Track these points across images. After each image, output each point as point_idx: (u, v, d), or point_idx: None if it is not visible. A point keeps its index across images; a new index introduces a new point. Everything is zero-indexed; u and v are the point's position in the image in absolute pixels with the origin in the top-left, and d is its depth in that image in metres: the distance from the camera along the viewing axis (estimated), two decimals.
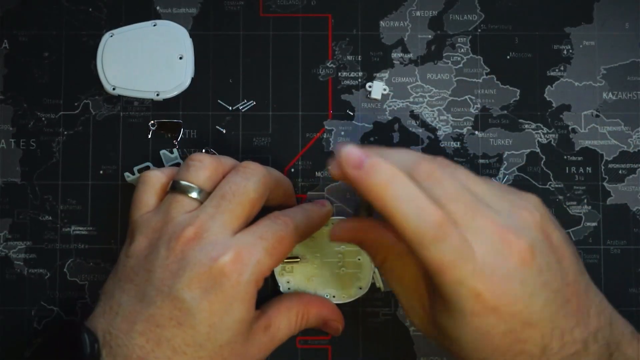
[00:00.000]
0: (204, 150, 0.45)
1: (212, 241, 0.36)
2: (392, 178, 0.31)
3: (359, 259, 0.43)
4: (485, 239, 0.31)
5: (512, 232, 0.31)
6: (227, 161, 0.40)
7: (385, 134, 0.45)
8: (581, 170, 0.45)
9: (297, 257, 0.43)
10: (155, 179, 0.40)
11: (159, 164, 0.45)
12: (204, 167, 0.38)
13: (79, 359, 0.34)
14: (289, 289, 0.43)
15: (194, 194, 0.38)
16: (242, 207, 0.37)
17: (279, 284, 0.43)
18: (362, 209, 0.38)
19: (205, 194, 0.38)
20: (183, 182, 0.38)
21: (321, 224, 0.41)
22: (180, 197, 0.38)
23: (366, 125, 0.45)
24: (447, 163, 0.34)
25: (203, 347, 0.35)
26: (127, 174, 0.45)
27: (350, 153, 0.31)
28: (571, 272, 0.34)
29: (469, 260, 0.30)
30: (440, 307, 0.33)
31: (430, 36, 0.46)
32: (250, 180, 0.38)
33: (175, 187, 0.38)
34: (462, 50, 0.46)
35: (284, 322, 0.39)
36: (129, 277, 0.37)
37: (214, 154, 0.44)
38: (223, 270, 0.35)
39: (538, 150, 0.45)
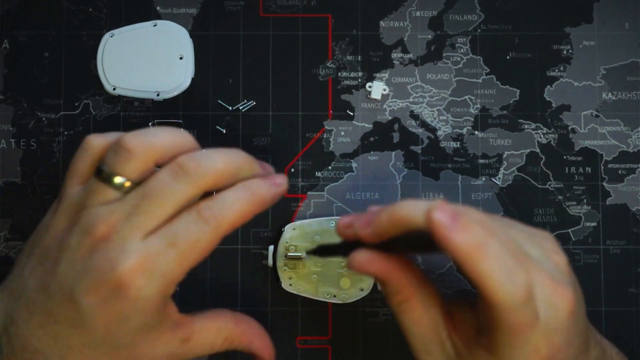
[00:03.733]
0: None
1: (118, 246, 0.33)
2: (486, 237, 0.29)
3: None
4: (542, 293, 0.31)
5: (561, 284, 0.31)
6: (165, 142, 0.34)
7: (385, 134, 0.45)
8: (581, 170, 0.45)
9: (300, 254, 0.43)
10: (97, 147, 0.35)
11: None
12: (131, 157, 0.33)
13: None
14: (290, 285, 0.43)
15: (117, 182, 0.34)
16: (163, 209, 0.33)
17: (281, 280, 0.43)
18: (400, 244, 0.33)
19: (130, 185, 0.34)
20: (107, 170, 0.34)
21: (265, 207, 0.35)
22: (102, 186, 0.34)
23: (366, 125, 0.45)
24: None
25: (99, 348, 0.34)
26: None
27: (443, 209, 0.29)
28: (583, 309, 0.34)
29: (538, 319, 0.30)
30: (473, 355, 0.33)
31: (430, 36, 0.46)
32: (181, 183, 0.33)
33: (99, 173, 0.34)
34: (462, 50, 0.46)
35: (206, 341, 0.37)
36: (40, 258, 0.35)
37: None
38: (121, 283, 0.32)
39: (538, 150, 0.45)
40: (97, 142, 0.35)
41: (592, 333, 0.36)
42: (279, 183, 0.35)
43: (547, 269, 0.32)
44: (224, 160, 0.34)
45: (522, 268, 0.30)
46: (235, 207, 0.34)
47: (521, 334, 0.30)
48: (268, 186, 0.35)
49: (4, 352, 0.34)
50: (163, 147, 0.34)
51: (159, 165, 0.35)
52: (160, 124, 0.45)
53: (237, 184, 0.35)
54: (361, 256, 0.33)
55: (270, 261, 0.43)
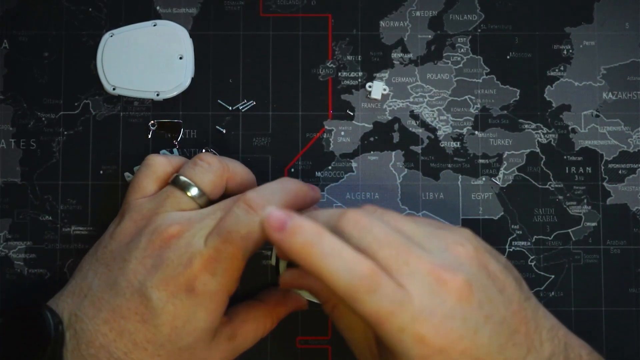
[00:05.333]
0: (203, 150, 0.45)
1: (189, 243, 0.35)
2: (316, 236, 0.29)
3: None
4: (420, 281, 0.30)
5: (446, 270, 0.31)
6: (235, 169, 0.40)
7: (385, 134, 0.45)
8: (581, 170, 0.45)
9: None
10: (160, 165, 0.39)
11: None
12: (210, 170, 0.38)
13: (43, 340, 0.35)
14: None
15: (192, 193, 0.38)
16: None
17: None
18: None
19: (204, 197, 0.38)
20: (185, 179, 0.38)
21: (304, 205, 0.39)
22: (179, 193, 0.38)
23: (366, 125, 0.45)
24: (374, 209, 0.33)
25: (163, 347, 0.35)
26: (127, 174, 0.45)
27: (272, 215, 0.29)
28: (515, 300, 0.33)
29: (407, 306, 0.30)
30: (386, 355, 0.32)
31: (430, 36, 0.46)
32: (251, 217, 0.36)
33: (176, 182, 0.38)
34: (462, 50, 0.46)
35: (250, 332, 0.39)
36: (106, 261, 0.37)
37: (214, 154, 0.45)
38: (191, 279, 0.35)
39: (538, 150, 0.45)
40: (159, 160, 0.39)
41: (549, 327, 0.34)
42: (315, 188, 0.40)
43: (432, 257, 0.31)
44: (285, 198, 0.37)
45: (362, 258, 0.30)
46: (280, 196, 0.37)
47: (387, 323, 0.30)
48: (308, 186, 0.39)
49: (69, 347, 0.35)
50: (234, 169, 0.39)
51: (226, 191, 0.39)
52: (160, 124, 0.45)
53: (281, 178, 0.39)
54: (287, 274, 0.36)
55: (273, 260, 0.43)
